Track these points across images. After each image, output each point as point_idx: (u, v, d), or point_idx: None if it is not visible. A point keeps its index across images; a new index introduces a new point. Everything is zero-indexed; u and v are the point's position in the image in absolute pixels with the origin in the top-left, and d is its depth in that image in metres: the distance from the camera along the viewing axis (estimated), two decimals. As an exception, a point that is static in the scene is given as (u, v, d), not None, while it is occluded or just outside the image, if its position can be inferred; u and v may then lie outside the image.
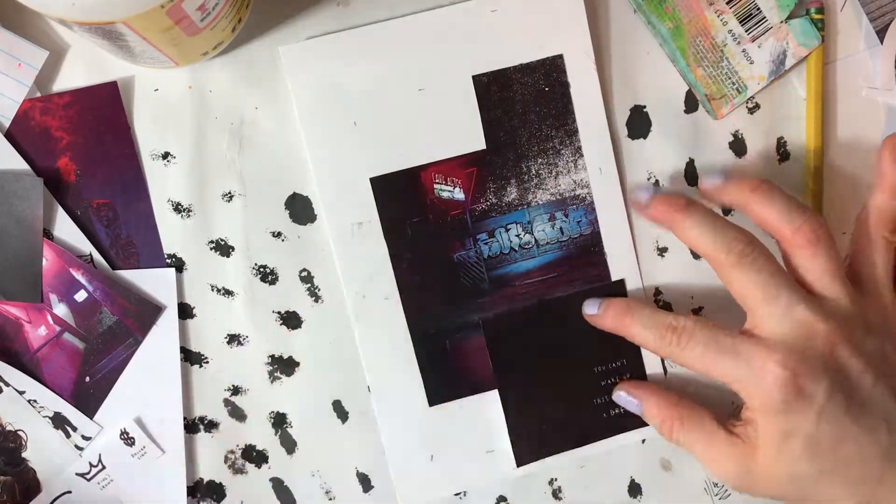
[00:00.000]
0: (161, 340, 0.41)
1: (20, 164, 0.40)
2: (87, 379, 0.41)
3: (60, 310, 0.40)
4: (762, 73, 0.43)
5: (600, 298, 0.42)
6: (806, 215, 0.38)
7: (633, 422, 0.44)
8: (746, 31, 0.43)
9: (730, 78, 0.43)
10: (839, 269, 0.38)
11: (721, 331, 0.38)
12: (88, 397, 0.41)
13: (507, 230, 0.43)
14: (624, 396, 0.42)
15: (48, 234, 0.40)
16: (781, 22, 0.43)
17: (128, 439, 0.41)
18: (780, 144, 0.45)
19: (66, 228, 0.40)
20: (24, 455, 0.41)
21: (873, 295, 0.39)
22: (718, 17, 0.43)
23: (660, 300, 0.44)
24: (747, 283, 0.37)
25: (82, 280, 0.40)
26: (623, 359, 0.44)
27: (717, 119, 0.44)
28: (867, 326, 0.38)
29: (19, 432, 0.41)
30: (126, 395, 0.41)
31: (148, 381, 0.41)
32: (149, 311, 0.41)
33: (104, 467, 0.41)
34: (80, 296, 0.40)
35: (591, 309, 0.42)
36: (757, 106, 0.45)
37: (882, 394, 0.36)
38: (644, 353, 0.44)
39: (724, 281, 0.38)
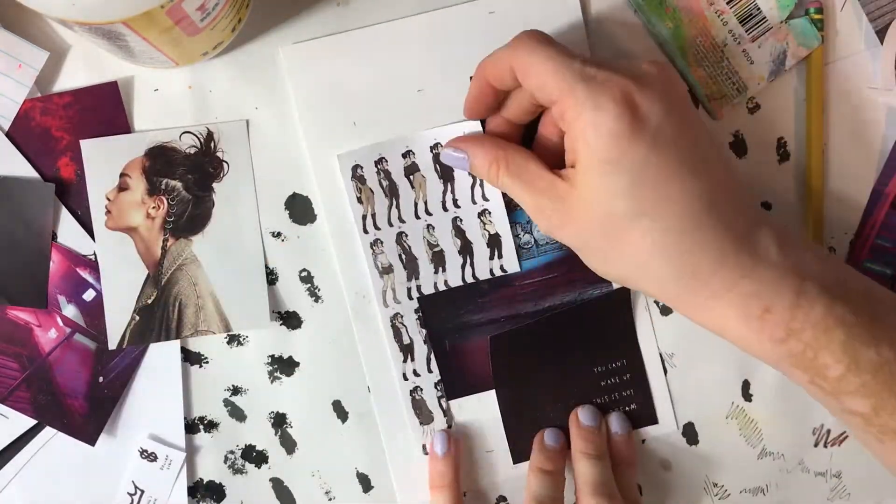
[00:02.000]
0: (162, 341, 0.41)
1: (21, 164, 0.40)
2: (101, 379, 0.41)
3: (70, 311, 0.40)
4: (762, 74, 0.43)
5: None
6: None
7: (633, 422, 0.44)
8: (746, 32, 0.43)
9: (730, 78, 0.43)
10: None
11: (573, 56, 0.35)
12: (103, 398, 0.41)
13: (514, 233, 0.43)
14: (450, 153, 0.39)
15: (52, 236, 0.40)
16: (781, 22, 0.43)
17: (149, 455, 0.41)
18: (780, 144, 0.45)
19: (70, 229, 0.41)
20: None
21: None
22: (718, 17, 0.43)
23: (660, 300, 0.44)
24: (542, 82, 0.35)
25: (90, 279, 0.40)
26: (623, 359, 0.44)
27: (717, 119, 0.44)
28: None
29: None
30: (133, 398, 0.41)
31: (150, 382, 0.41)
32: (150, 311, 0.41)
33: (143, 491, 0.41)
34: (89, 295, 0.40)
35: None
36: (757, 106, 0.44)
37: (708, 142, 0.35)
38: (644, 352, 0.44)
39: (531, 81, 0.35)
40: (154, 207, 0.40)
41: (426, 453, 0.43)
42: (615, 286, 0.43)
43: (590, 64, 0.34)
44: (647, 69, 0.35)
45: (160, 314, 0.40)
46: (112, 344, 0.40)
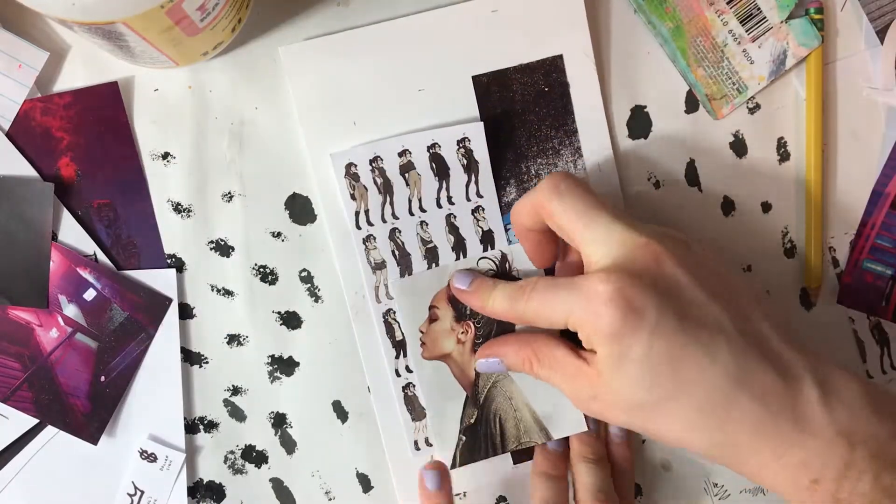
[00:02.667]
0: (162, 340, 0.41)
1: (22, 164, 0.40)
2: (103, 378, 0.41)
3: (71, 310, 0.40)
4: (762, 73, 0.43)
5: (472, 275, 0.41)
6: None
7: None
8: (747, 31, 0.43)
9: (730, 78, 0.43)
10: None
11: (564, 278, 0.37)
12: (105, 397, 0.41)
13: (507, 230, 0.43)
14: (484, 363, 0.41)
15: (52, 236, 0.40)
16: (781, 22, 0.43)
17: (149, 456, 0.41)
18: (781, 144, 0.45)
19: (70, 229, 0.41)
20: None
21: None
22: (719, 17, 0.43)
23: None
24: (563, 224, 0.37)
25: (90, 278, 0.40)
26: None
27: (717, 119, 0.44)
28: (685, 244, 0.36)
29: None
30: (133, 398, 0.41)
31: (151, 382, 0.41)
32: (158, 304, 0.41)
33: (143, 492, 0.41)
34: (89, 294, 0.40)
35: (460, 283, 0.41)
36: (757, 106, 0.44)
37: (718, 310, 0.34)
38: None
39: (534, 306, 0.37)
40: (463, 332, 0.42)
41: (417, 449, 0.43)
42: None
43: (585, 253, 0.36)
44: (640, 252, 0.35)
45: (484, 431, 0.42)
46: (448, 463, 0.42)
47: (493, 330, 0.42)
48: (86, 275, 0.40)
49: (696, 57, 0.43)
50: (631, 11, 0.43)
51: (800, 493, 0.34)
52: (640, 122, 0.44)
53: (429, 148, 0.42)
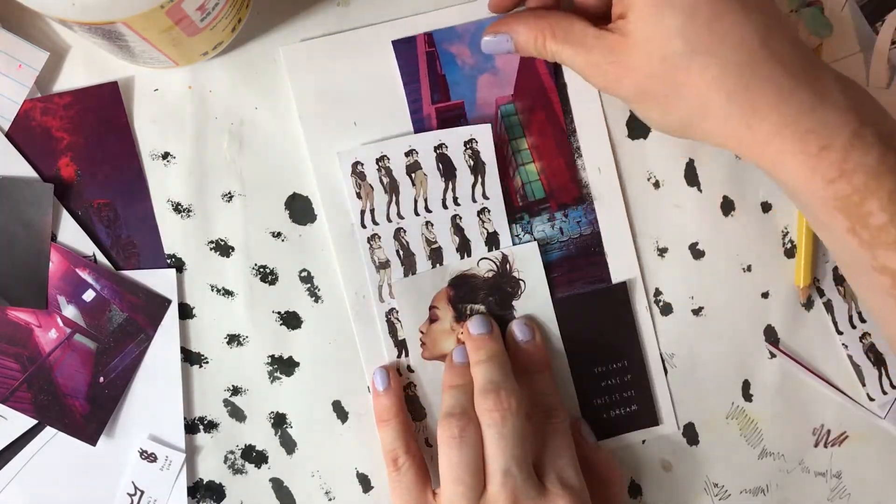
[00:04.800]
0: (162, 340, 0.41)
1: (21, 164, 0.40)
2: (101, 379, 0.41)
3: (70, 311, 0.40)
4: None
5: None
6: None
7: (633, 422, 0.44)
8: None
9: None
10: None
11: None
12: (104, 398, 0.41)
13: (512, 232, 0.43)
14: (490, 39, 0.39)
15: (52, 237, 0.40)
16: (791, 11, 0.42)
17: (149, 456, 0.41)
18: (781, 144, 0.45)
19: (69, 230, 0.41)
20: None
21: None
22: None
23: (660, 300, 0.44)
24: None
25: (89, 279, 0.40)
26: (624, 360, 0.44)
27: None
28: None
29: None
30: (133, 399, 0.41)
31: (151, 382, 0.41)
32: (157, 305, 0.41)
33: (143, 492, 0.41)
34: (89, 295, 0.40)
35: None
36: (757, 106, 0.44)
37: None
38: (646, 353, 0.44)
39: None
40: (463, 333, 0.42)
41: (429, 446, 0.43)
42: (613, 284, 0.43)
43: None
44: None
45: None
46: None
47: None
48: (85, 276, 0.40)
49: None
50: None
51: (806, 160, 0.34)
52: (639, 122, 0.44)
53: (435, 148, 0.42)
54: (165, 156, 0.41)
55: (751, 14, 0.34)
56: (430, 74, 0.42)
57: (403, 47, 0.41)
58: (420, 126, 0.42)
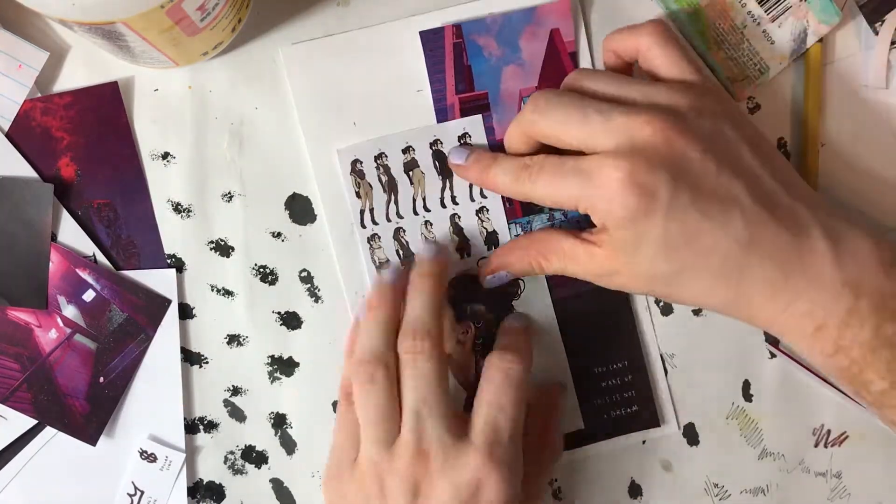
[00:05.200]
0: (162, 341, 0.41)
1: (21, 164, 0.40)
2: (102, 379, 0.41)
3: (70, 311, 0.40)
4: (783, 53, 0.43)
5: (468, 149, 0.41)
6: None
7: (633, 423, 0.44)
8: (766, 12, 0.42)
9: (751, 59, 0.43)
10: (624, 77, 0.38)
11: (567, 157, 0.36)
12: (104, 398, 0.41)
13: (511, 232, 0.43)
14: (491, 279, 0.41)
15: (52, 237, 0.40)
16: (801, 0, 0.42)
17: (149, 456, 0.41)
18: (780, 144, 0.45)
19: (69, 230, 0.41)
20: None
21: (693, 77, 0.38)
22: (737, -3, 0.42)
23: (660, 300, 0.44)
24: (559, 143, 0.37)
25: (89, 279, 0.40)
26: (624, 360, 0.44)
27: (739, 101, 0.44)
28: (697, 110, 0.36)
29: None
30: (133, 399, 0.41)
31: (151, 382, 0.41)
32: (157, 305, 0.41)
33: (143, 492, 0.41)
34: (89, 295, 0.40)
35: (457, 159, 0.41)
36: (757, 106, 0.44)
37: (729, 179, 0.34)
38: (646, 353, 0.44)
39: (541, 189, 0.37)
40: (463, 333, 0.42)
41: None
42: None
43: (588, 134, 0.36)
44: (643, 131, 0.34)
45: None
46: None
47: (494, 331, 0.42)
48: (85, 276, 0.40)
49: (716, 40, 0.43)
50: (630, 2, 0.43)
51: (805, 339, 0.35)
52: (640, 123, 0.44)
53: (431, 145, 0.42)
54: (165, 156, 0.41)
55: (727, 223, 0.34)
56: (456, 64, 0.42)
57: (431, 37, 0.41)
58: (443, 116, 0.42)
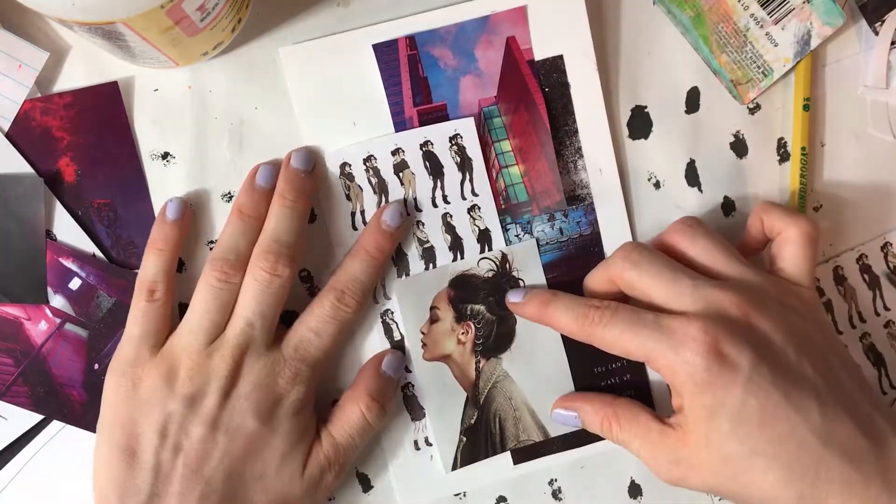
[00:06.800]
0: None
1: (21, 164, 0.40)
2: (96, 366, 0.41)
3: (57, 301, 0.40)
4: (787, 55, 0.43)
5: (525, 288, 0.42)
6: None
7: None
8: (769, 14, 0.42)
9: (755, 62, 0.43)
10: (729, 248, 0.39)
11: (644, 310, 0.37)
12: (100, 385, 0.41)
13: (507, 230, 0.43)
14: (561, 413, 0.42)
15: (50, 236, 0.40)
16: (804, 2, 0.42)
17: None
18: (781, 145, 0.45)
19: (68, 229, 0.41)
20: None
21: (808, 285, 0.39)
22: (739, 1, 0.42)
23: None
24: (639, 297, 0.38)
25: (73, 267, 0.40)
26: (624, 360, 0.44)
27: (743, 104, 0.44)
28: (787, 305, 0.37)
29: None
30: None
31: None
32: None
33: None
34: (74, 283, 0.40)
35: (515, 297, 0.41)
36: (758, 106, 0.44)
37: (807, 368, 0.35)
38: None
39: (611, 334, 0.37)
40: (463, 333, 0.42)
41: (417, 448, 0.43)
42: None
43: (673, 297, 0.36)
44: (728, 303, 0.35)
45: (484, 431, 0.42)
46: (446, 468, 0.42)
47: (494, 331, 0.42)
48: (68, 264, 0.40)
49: (719, 43, 0.43)
50: (631, 8, 0.43)
51: None
52: (640, 123, 0.44)
53: (421, 146, 0.42)
54: (165, 156, 0.41)
55: (806, 411, 0.34)
56: (412, 77, 0.42)
57: (384, 50, 0.41)
58: (402, 128, 0.42)
